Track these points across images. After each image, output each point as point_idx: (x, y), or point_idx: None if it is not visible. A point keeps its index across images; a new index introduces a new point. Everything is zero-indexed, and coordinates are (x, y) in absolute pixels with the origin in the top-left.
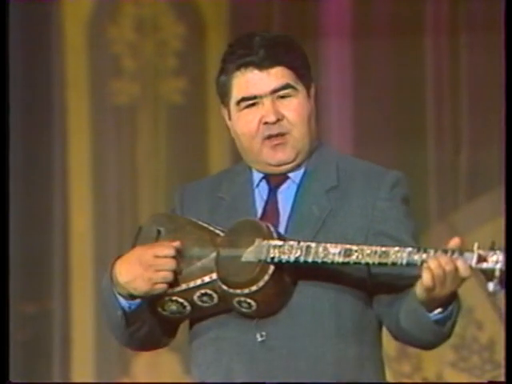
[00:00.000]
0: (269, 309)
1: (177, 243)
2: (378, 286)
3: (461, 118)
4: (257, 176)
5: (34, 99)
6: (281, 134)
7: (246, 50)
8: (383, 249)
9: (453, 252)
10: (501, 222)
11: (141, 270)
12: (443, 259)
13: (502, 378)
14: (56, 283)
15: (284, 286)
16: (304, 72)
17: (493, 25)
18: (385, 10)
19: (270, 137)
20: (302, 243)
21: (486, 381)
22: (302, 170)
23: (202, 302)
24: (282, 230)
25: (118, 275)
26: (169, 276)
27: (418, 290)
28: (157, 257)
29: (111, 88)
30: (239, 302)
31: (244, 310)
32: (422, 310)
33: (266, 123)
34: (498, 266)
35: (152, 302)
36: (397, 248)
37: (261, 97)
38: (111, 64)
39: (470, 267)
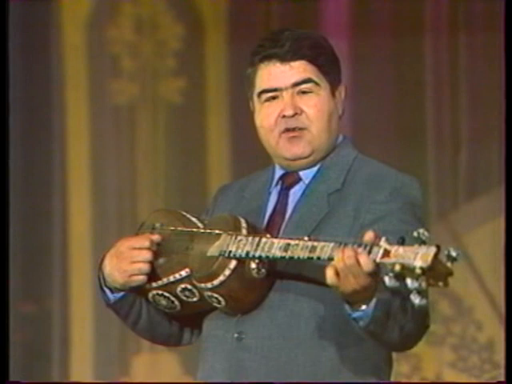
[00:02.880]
0: (239, 304)
1: (155, 236)
2: None
3: (461, 118)
4: (277, 175)
5: (34, 99)
6: (298, 128)
7: (272, 43)
8: (314, 243)
9: (365, 246)
10: (501, 222)
11: (117, 261)
12: (346, 253)
13: (501, 378)
14: (55, 283)
15: (252, 281)
16: (330, 70)
17: (493, 25)
18: (384, 9)
19: (286, 130)
20: (256, 238)
21: (485, 381)
22: (314, 171)
23: (186, 296)
24: (282, 229)
25: (104, 268)
26: (144, 267)
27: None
28: (133, 248)
29: (110, 88)
30: (210, 297)
31: (216, 304)
32: (346, 307)
33: (283, 117)
34: (398, 260)
35: (141, 294)
36: (323, 243)
37: (281, 90)
38: (110, 64)
39: (374, 262)
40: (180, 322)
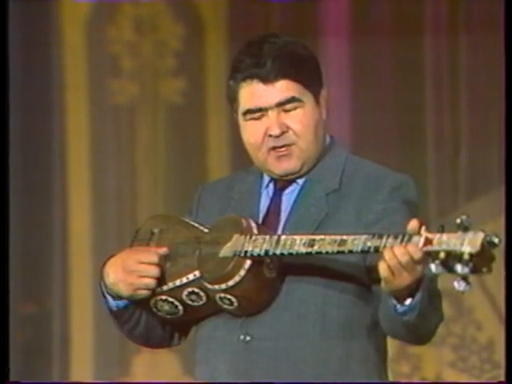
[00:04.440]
0: (251, 305)
1: (162, 249)
2: (374, 280)
3: (461, 118)
4: (267, 177)
5: (34, 99)
6: (286, 145)
7: (253, 60)
8: (343, 237)
9: (403, 237)
10: (501, 222)
11: (124, 274)
12: (398, 250)
13: (501, 378)
14: (55, 283)
15: (265, 281)
16: (312, 81)
17: (493, 25)
18: (384, 9)
19: (274, 148)
20: (274, 236)
21: (485, 381)
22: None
23: (192, 300)
24: (280, 230)
25: (106, 276)
26: (151, 283)
27: (382, 282)
28: (141, 263)
29: (110, 88)
30: (221, 299)
31: (227, 306)
32: (390, 302)
33: (270, 136)
34: (443, 247)
35: (142, 301)
36: (353, 236)
37: (266, 109)
38: (110, 64)
39: (422, 250)
40: (172, 326)
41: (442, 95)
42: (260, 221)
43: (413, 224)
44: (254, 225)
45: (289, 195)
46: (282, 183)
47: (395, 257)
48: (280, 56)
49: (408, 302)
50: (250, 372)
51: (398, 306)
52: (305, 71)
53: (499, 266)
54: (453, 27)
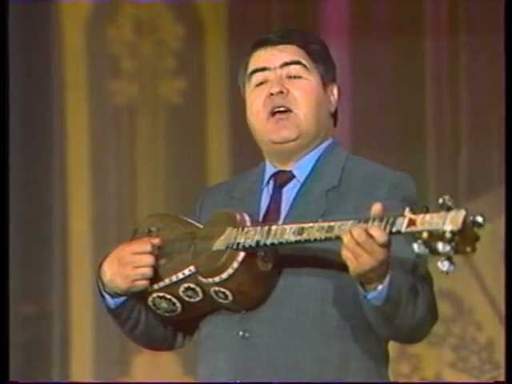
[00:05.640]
0: (246, 299)
1: (156, 239)
2: None
3: (461, 118)
4: (267, 175)
5: (34, 99)
6: (284, 108)
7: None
8: (331, 224)
9: (387, 219)
10: (501, 222)
11: (119, 267)
12: (355, 231)
13: (501, 379)
14: (55, 283)
15: (259, 274)
16: (321, 60)
17: (493, 25)
18: (384, 9)
19: (273, 113)
20: (265, 226)
21: (484, 381)
22: (308, 170)
23: (188, 297)
24: None
25: (103, 275)
26: (147, 272)
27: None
28: (134, 253)
29: (110, 88)
30: (216, 293)
31: (222, 300)
32: (360, 289)
33: (271, 95)
34: (425, 227)
35: (140, 299)
36: (340, 222)
37: (269, 69)
38: (110, 64)
39: (386, 232)
40: (174, 327)
41: (442, 95)
42: (261, 218)
43: (376, 207)
44: (247, 218)
45: (289, 192)
46: (281, 180)
47: (353, 238)
48: (293, 29)
49: (379, 288)
50: (249, 369)
51: (367, 291)
52: (314, 47)
53: (499, 265)
54: (453, 27)
